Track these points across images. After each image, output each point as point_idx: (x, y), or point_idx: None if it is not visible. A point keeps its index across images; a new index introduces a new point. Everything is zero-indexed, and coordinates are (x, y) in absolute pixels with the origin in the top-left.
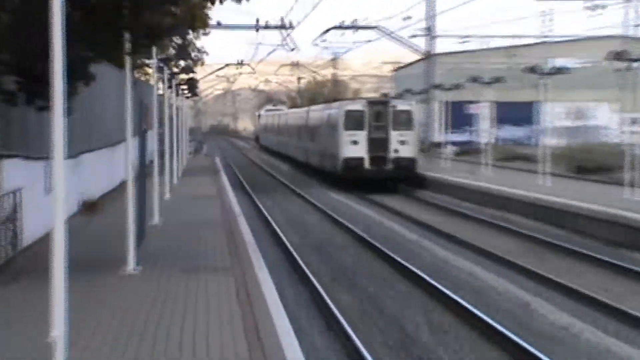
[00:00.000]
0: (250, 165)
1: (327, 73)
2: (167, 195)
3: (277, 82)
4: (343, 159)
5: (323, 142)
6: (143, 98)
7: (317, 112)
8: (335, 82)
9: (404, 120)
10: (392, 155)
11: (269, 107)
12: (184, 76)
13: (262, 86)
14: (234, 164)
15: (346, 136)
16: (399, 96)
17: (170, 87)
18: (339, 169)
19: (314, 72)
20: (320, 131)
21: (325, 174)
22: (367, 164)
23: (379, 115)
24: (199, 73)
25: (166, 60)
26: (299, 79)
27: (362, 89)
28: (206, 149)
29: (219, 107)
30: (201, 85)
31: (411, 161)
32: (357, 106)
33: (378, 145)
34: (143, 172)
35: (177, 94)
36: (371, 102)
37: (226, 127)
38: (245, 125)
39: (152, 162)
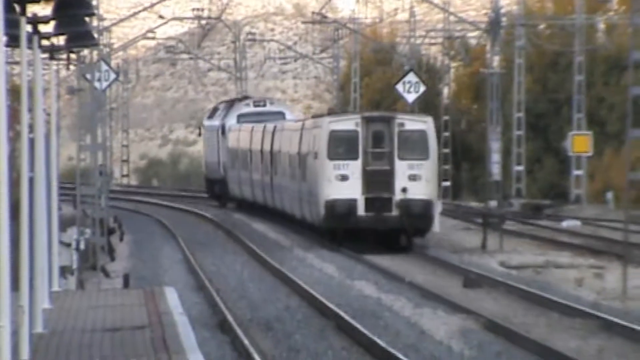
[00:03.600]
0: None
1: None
2: None
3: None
4: (326, 201)
5: (295, 178)
6: None
7: (285, 132)
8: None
9: (417, 145)
10: (399, 196)
11: (243, 105)
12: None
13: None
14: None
15: (330, 168)
16: None
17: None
18: (321, 216)
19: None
20: (291, 161)
21: (300, 223)
22: (361, 210)
23: (380, 138)
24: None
25: None
26: (335, 40)
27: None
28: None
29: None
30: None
31: (426, 205)
32: (347, 124)
33: (378, 181)
34: None
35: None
36: (368, 118)
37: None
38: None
39: None
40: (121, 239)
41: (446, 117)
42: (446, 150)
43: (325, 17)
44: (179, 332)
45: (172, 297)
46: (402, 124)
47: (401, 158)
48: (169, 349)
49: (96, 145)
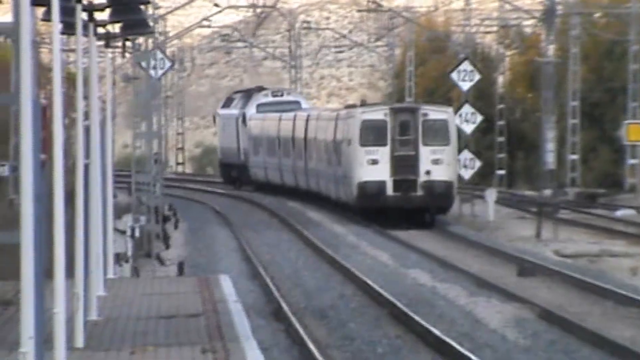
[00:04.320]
0: None
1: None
2: None
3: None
4: (358, 183)
5: (331, 162)
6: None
7: (320, 121)
8: None
9: (439, 133)
10: (423, 178)
11: (261, 95)
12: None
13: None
14: None
15: (362, 154)
16: None
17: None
18: (354, 196)
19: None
20: (327, 147)
21: (335, 203)
22: (390, 190)
23: (406, 126)
24: None
25: None
26: (390, 28)
27: None
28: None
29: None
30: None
31: (448, 186)
32: (377, 114)
33: (404, 165)
34: None
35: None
36: (395, 109)
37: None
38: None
39: None
40: (176, 227)
41: (501, 106)
42: (501, 139)
43: (380, 5)
44: (234, 320)
45: (226, 285)
46: (425, 114)
47: (425, 144)
48: (223, 336)
49: (151, 133)
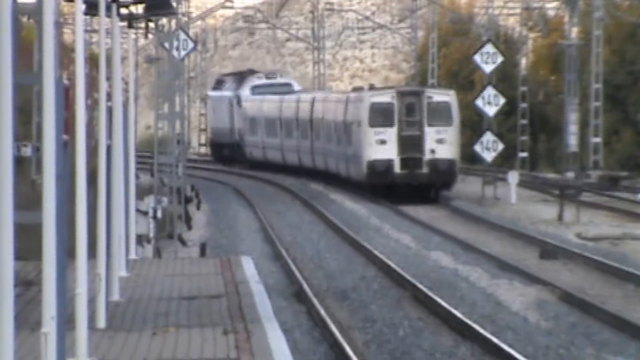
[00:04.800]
0: None
1: None
2: None
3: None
4: (368, 162)
5: (341, 142)
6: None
7: (328, 103)
8: None
9: (442, 114)
10: (428, 156)
11: (255, 78)
12: None
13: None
14: None
15: (372, 134)
16: None
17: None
18: (364, 174)
19: None
20: (337, 128)
21: (345, 181)
22: (397, 168)
23: (411, 108)
24: None
25: None
26: (413, 10)
27: None
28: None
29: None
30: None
31: (451, 164)
32: (385, 97)
33: (411, 144)
34: None
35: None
36: (401, 92)
37: None
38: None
39: None
40: (198, 208)
41: (524, 89)
42: (523, 122)
43: None
44: (255, 301)
45: (248, 266)
46: (430, 97)
47: (430, 125)
48: (245, 317)
49: (174, 114)
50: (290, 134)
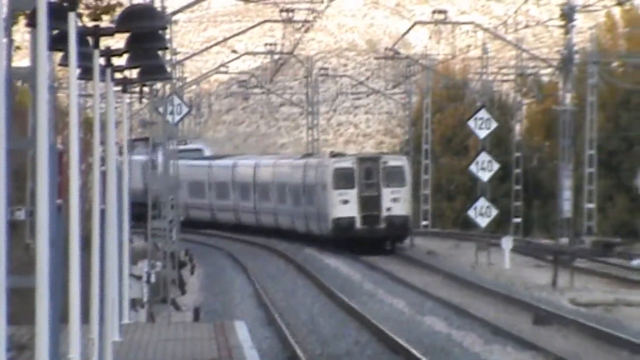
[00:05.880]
0: None
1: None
2: None
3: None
4: (333, 219)
5: (299, 202)
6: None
7: (286, 168)
8: None
9: (396, 176)
10: (385, 213)
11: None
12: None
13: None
14: None
15: (336, 195)
16: None
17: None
18: (329, 229)
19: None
20: (295, 189)
21: (311, 237)
22: (359, 224)
23: (370, 172)
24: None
25: None
26: (408, 76)
27: None
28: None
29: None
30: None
31: (405, 219)
32: (346, 163)
33: (370, 203)
34: None
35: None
36: (361, 159)
37: None
38: None
39: None
40: (192, 272)
41: (518, 154)
42: (517, 187)
43: (398, 53)
44: None
45: (242, 331)
46: (385, 162)
47: (386, 186)
48: None
49: (168, 178)
50: (226, 196)
